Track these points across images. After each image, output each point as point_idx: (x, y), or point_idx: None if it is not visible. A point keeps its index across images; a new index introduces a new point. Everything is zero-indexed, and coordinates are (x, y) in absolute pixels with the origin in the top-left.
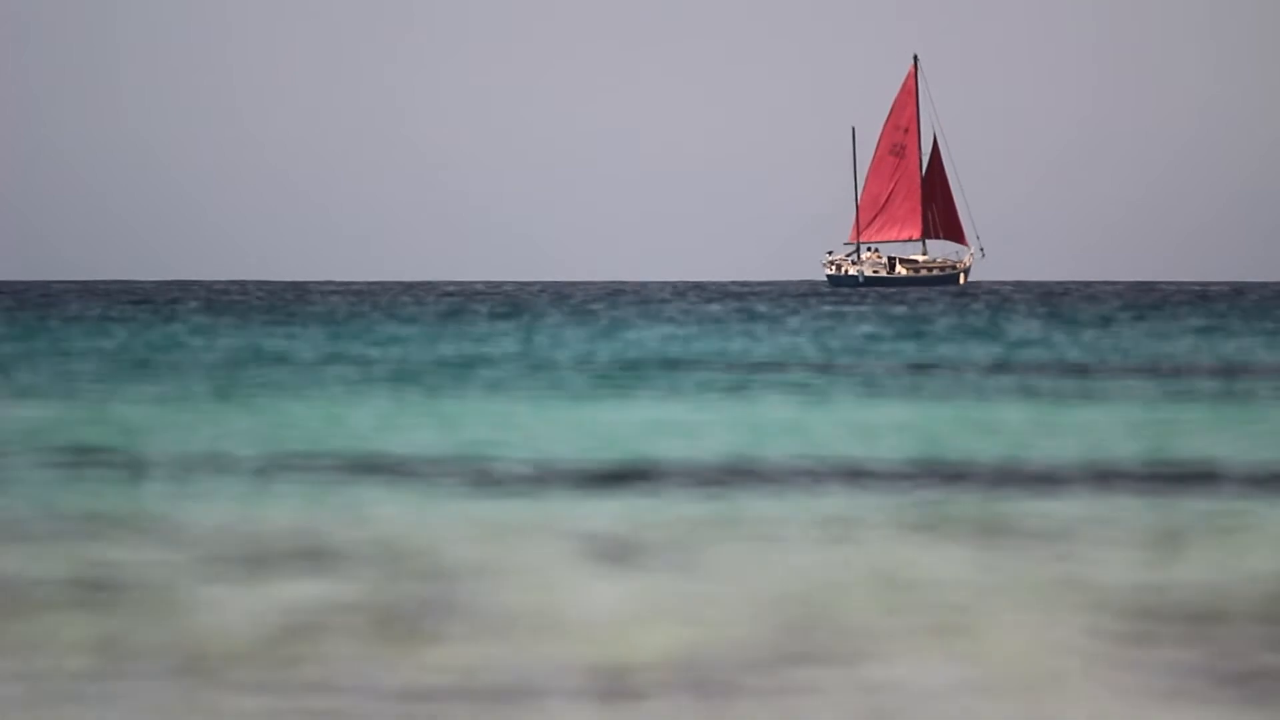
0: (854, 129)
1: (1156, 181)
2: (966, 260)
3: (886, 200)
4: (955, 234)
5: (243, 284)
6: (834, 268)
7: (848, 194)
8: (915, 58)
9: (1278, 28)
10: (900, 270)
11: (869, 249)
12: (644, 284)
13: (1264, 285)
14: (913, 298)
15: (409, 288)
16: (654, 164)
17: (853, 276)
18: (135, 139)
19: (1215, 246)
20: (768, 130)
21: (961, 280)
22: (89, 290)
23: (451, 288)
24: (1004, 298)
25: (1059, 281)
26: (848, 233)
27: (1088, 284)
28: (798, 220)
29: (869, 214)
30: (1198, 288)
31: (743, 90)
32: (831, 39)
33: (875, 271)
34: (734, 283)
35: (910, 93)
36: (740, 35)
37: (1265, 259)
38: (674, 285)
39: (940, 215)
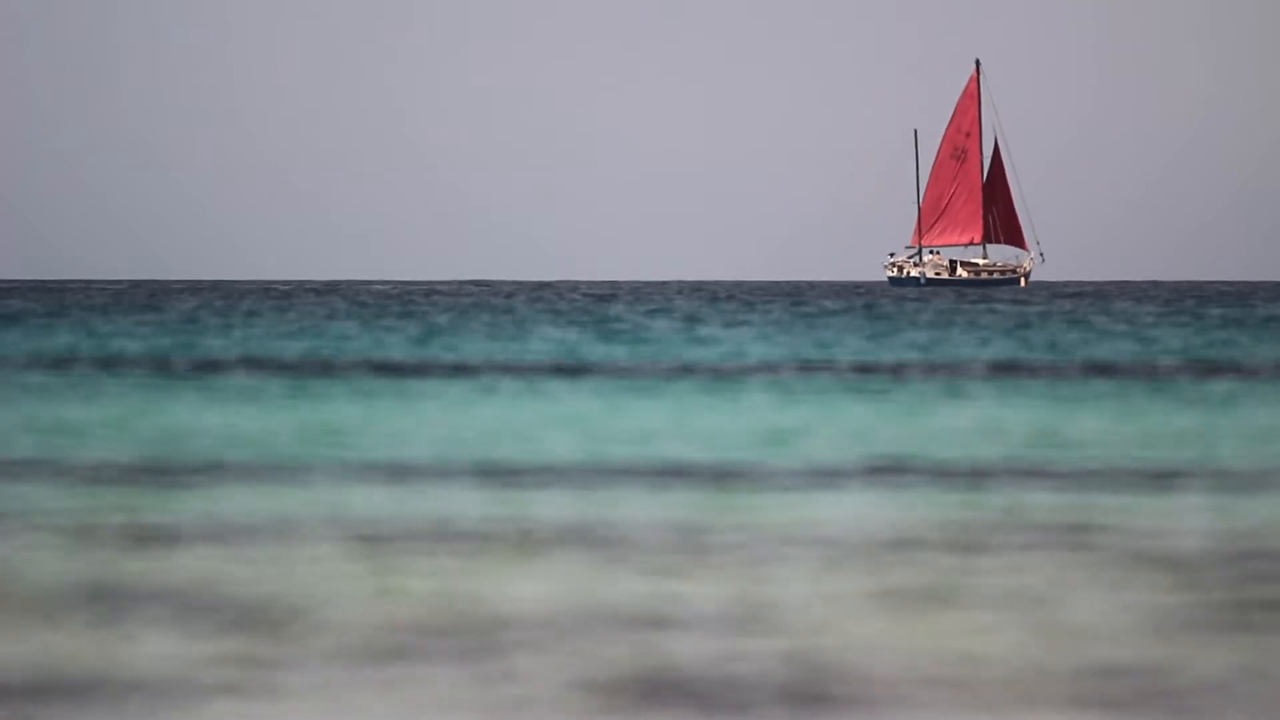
0: (916, 131)
1: (1157, 181)
2: (1027, 264)
3: (948, 204)
4: (1015, 238)
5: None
6: (896, 270)
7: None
8: (977, 62)
9: (1278, 28)
10: (961, 273)
11: (930, 251)
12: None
13: (1269, 285)
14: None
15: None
16: (654, 164)
17: (914, 278)
18: (135, 139)
19: (1215, 246)
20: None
21: (1023, 284)
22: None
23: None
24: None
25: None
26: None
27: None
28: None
29: (930, 217)
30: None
31: (746, 92)
32: (831, 39)
33: (937, 274)
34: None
35: (972, 96)
36: (743, 36)
37: (1265, 259)
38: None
39: (1001, 219)
